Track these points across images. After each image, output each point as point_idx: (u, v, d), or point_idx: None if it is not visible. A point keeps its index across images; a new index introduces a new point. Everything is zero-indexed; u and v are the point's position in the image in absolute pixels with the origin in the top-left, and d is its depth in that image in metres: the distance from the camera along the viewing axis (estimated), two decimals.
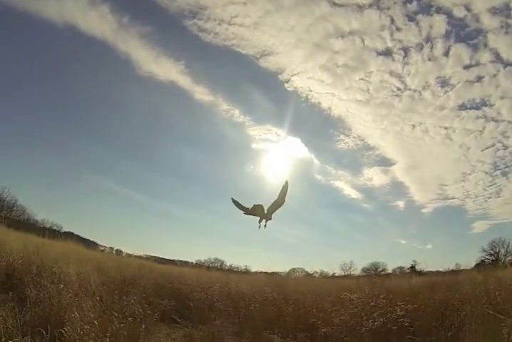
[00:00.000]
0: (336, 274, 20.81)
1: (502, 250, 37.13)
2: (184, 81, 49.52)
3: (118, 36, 44.92)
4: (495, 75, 37.11)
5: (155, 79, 47.29)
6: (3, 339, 5.45)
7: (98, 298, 7.38)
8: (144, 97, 49.80)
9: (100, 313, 6.66)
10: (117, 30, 42.89)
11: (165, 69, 46.86)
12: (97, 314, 6.57)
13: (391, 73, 41.31)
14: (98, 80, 49.04)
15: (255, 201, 4.87)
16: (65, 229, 30.82)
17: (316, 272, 18.34)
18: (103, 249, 23.91)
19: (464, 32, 38.59)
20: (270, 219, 4.88)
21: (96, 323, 6.17)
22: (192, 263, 27.44)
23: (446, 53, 38.41)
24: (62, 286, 7.52)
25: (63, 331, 5.91)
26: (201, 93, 49.10)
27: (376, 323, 7.35)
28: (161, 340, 7.01)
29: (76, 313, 6.47)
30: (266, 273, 16.26)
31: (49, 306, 6.85)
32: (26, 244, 11.04)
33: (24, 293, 7.34)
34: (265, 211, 4.82)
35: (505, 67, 36.85)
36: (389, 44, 40.37)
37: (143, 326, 6.81)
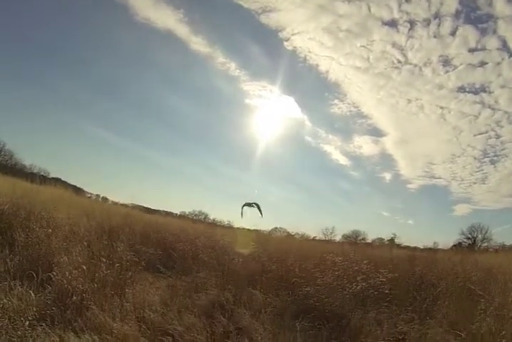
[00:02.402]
0: (316, 238, 21.12)
1: (480, 235, 38.39)
2: (181, 30, 48.06)
3: None
4: (498, 63, 36.65)
5: (152, 26, 45.36)
6: None
7: (86, 243, 7.42)
8: (139, 44, 47.99)
9: (88, 259, 6.70)
10: None
11: (163, 16, 44.79)
12: (85, 259, 6.61)
13: (394, 45, 40.35)
14: (92, 25, 46.62)
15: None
16: (53, 174, 30.29)
17: (298, 233, 18.56)
18: (89, 195, 23.78)
19: (475, 14, 37.29)
20: None
21: (84, 267, 6.23)
22: (176, 214, 27.52)
23: (453, 33, 37.49)
24: (51, 230, 7.52)
25: (52, 275, 5.99)
26: (198, 44, 47.87)
27: (358, 287, 7.55)
28: (145, 288, 7.05)
29: (65, 257, 6.54)
30: (249, 230, 16.48)
31: (38, 250, 6.87)
32: (14, 188, 10.84)
33: (13, 237, 7.30)
34: None
35: (510, 56, 36.30)
36: (396, 15, 39.26)
37: (129, 274, 6.92)
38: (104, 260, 6.69)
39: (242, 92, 50.27)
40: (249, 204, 10.74)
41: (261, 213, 10.73)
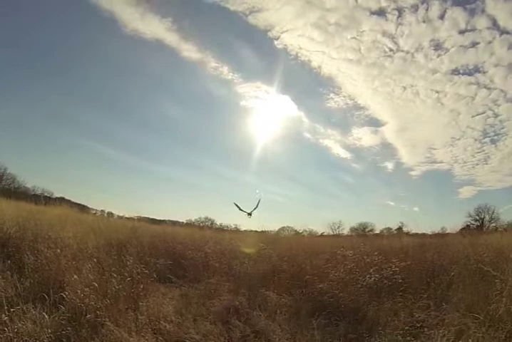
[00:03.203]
0: (325, 233, 21.12)
1: (487, 216, 38.23)
2: (171, 38, 47.55)
3: None
4: (490, 42, 36.36)
5: (141, 37, 44.98)
6: (6, 308, 5.43)
7: (95, 260, 7.38)
8: (129, 55, 47.74)
9: (99, 275, 6.69)
10: None
11: (151, 26, 44.47)
12: (96, 276, 6.61)
13: (384, 34, 40.05)
14: (80, 40, 46.41)
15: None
16: (57, 194, 30.29)
17: (306, 231, 18.55)
18: (94, 212, 23.76)
19: None
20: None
21: (96, 285, 6.21)
22: (182, 222, 27.53)
23: (442, 16, 37.22)
24: (59, 250, 7.49)
25: (64, 295, 5.97)
26: (189, 51, 47.42)
27: (371, 279, 7.54)
28: (159, 299, 7.03)
29: (75, 276, 6.50)
30: (256, 231, 16.50)
31: (48, 271, 6.86)
32: (19, 212, 10.87)
33: (22, 261, 7.30)
34: None
35: (501, 34, 35.98)
36: (383, 3, 38.80)
37: (141, 286, 6.89)
38: (115, 275, 6.67)
39: (237, 95, 49.94)
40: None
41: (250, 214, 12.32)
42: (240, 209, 12.65)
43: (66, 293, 6.03)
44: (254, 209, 12.47)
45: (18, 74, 45.02)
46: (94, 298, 5.93)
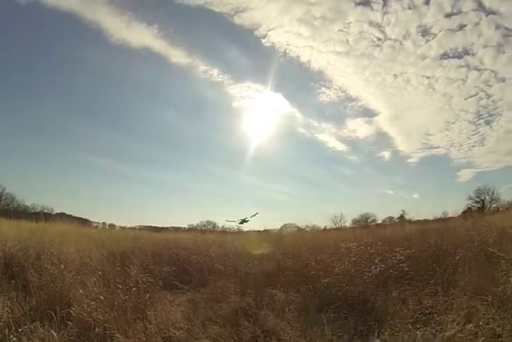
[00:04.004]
0: (327, 227, 21.14)
1: (487, 197, 38.39)
2: (159, 45, 47.45)
3: (85, 6, 42.01)
4: (477, 24, 36.34)
5: (129, 46, 44.96)
6: (13, 328, 5.43)
7: (100, 273, 7.38)
8: (118, 65, 47.57)
9: (104, 288, 6.70)
10: None
11: (138, 35, 44.39)
12: (101, 289, 6.62)
13: (371, 23, 40.04)
14: (67, 53, 46.32)
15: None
16: (57, 210, 30.20)
17: (308, 226, 18.55)
18: (96, 225, 23.77)
19: None
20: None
21: (102, 297, 6.22)
22: (185, 228, 27.61)
23: (427, 2, 37.30)
24: (63, 266, 7.46)
25: (71, 311, 5.96)
26: (177, 56, 47.69)
27: (377, 269, 7.53)
28: (166, 307, 7.01)
29: (81, 290, 6.49)
30: (259, 231, 16.52)
31: (53, 288, 6.83)
32: (21, 231, 10.92)
33: (26, 280, 7.28)
34: None
35: (487, 15, 36.01)
36: None
37: (148, 295, 6.86)
38: (120, 286, 6.64)
39: (229, 96, 49.95)
40: (244, 221, 13.28)
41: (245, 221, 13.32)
42: (233, 221, 13.61)
43: (73, 308, 6.02)
44: (246, 221, 13.31)
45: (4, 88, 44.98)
46: (101, 311, 5.92)
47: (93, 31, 40.83)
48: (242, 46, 51.08)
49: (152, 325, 5.95)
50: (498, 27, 35.35)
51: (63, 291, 6.74)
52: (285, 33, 41.33)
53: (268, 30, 39.33)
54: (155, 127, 53.05)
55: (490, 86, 39.30)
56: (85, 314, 5.82)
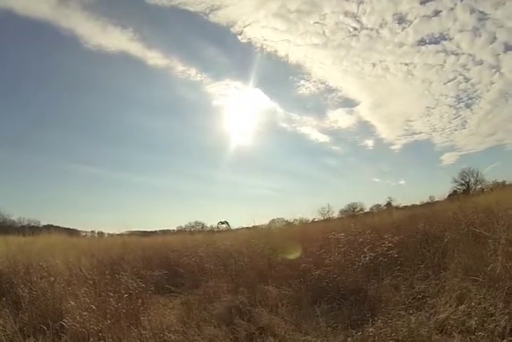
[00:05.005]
0: (315, 220, 21.16)
1: (472, 179, 38.80)
2: (135, 48, 47.54)
3: (58, 13, 41.29)
4: (452, 9, 36.88)
5: (105, 51, 44.36)
6: None
7: (90, 282, 7.24)
8: (95, 71, 47.18)
9: (96, 297, 6.58)
10: (57, 6, 39.65)
11: (114, 39, 43.99)
12: (93, 298, 6.50)
13: (346, 14, 40.36)
14: (42, 61, 45.73)
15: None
16: (44, 222, 29.71)
17: (296, 220, 18.55)
18: (84, 234, 23.50)
19: None
20: None
21: (94, 307, 6.11)
22: (174, 230, 27.47)
23: None
24: (52, 278, 7.29)
25: (64, 323, 5.84)
26: (154, 58, 47.53)
27: (367, 258, 7.56)
28: (160, 311, 6.94)
29: (72, 302, 6.37)
30: (247, 228, 16.52)
31: (44, 301, 6.70)
32: (8, 246, 10.71)
33: (17, 295, 7.11)
34: None
35: (462, 0, 36.67)
36: None
37: (140, 301, 6.76)
38: (112, 294, 6.51)
39: (208, 95, 49.93)
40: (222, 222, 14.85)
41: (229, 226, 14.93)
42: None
43: (65, 320, 5.89)
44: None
45: None
46: (94, 320, 5.81)
47: (67, 38, 40.54)
48: (219, 44, 51.09)
49: (147, 331, 5.86)
50: (473, 11, 36.06)
51: (54, 303, 6.62)
52: (261, 29, 41.55)
53: (244, 27, 39.41)
54: (135, 131, 52.95)
55: (469, 70, 40.13)
56: (78, 325, 5.71)
